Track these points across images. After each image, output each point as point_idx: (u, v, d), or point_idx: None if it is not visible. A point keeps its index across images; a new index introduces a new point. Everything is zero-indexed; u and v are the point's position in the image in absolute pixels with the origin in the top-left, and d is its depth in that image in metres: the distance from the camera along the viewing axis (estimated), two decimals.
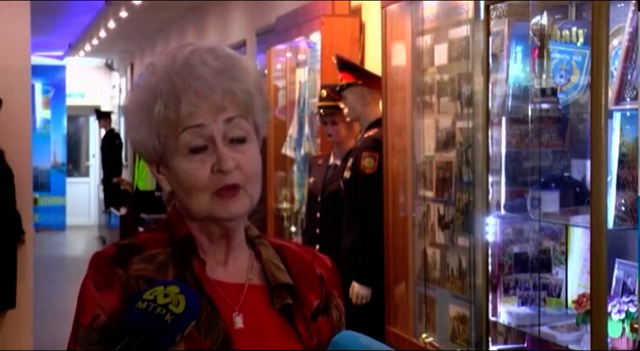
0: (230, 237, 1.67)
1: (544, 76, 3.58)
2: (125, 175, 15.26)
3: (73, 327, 1.62)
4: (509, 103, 3.77)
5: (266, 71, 6.95)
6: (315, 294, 1.71)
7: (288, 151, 6.65)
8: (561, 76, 3.52)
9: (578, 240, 3.69)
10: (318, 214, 5.28)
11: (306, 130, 6.42)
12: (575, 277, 3.70)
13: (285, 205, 6.77)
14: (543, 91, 3.58)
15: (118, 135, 15.63)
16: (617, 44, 3.15)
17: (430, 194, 4.42)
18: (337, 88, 5.07)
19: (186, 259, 1.64)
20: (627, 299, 3.12)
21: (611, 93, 3.05)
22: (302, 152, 6.49)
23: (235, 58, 1.64)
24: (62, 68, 18.72)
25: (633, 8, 3.04)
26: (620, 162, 3.08)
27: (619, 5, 3.15)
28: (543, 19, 3.59)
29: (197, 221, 1.65)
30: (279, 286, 1.66)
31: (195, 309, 1.53)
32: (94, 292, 1.61)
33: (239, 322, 1.62)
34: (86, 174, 19.93)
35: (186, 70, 1.60)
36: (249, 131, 1.63)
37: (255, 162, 1.63)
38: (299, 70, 6.65)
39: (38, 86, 17.69)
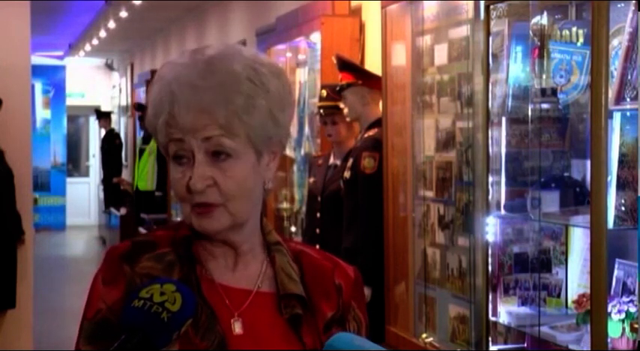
0: (233, 246, 1.65)
1: (544, 76, 3.58)
2: (125, 175, 15.26)
3: (81, 319, 1.65)
4: (509, 103, 3.77)
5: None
6: (331, 304, 1.68)
7: (288, 151, 6.65)
8: (561, 76, 3.52)
9: (578, 240, 3.69)
10: (318, 214, 5.28)
11: (306, 130, 6.43)
12: (575, 277, 3.70)
13: (285, 205, 6.77)
14: (543, 91, 3.58)
15: (118, 135, 15.63)
16: (617, 44, 3.15)
17: (430, 194, 4.42)
18: (337, 88, 5.07)
19: (190, 260, 1.64)
20: (627, 299, 3.13)
21: (611, 93, 3.05)
22: (302, 152, 6.49)
23: (229, 74, 1.58)
24: (62, 68, 18.72)
25: (633, 8, 3.04)
26: (620, 162, 3.08)
27: (619, 5, 3.15)
28: (543, 19, 3.59)
29: None
30: (287, 295, 1.64)
31: (192, 307, 1.53)
32: (101, 286, 1.63)
33: (238, 327, 1.61)
34: (86, 174, 19.92)
35: (173, 87, 1.58)
36: (235, 148, 1.57)
37: (237, 181, 1.58)
38: (299, 70, 6.65)
39: (38, 86, 17.68)
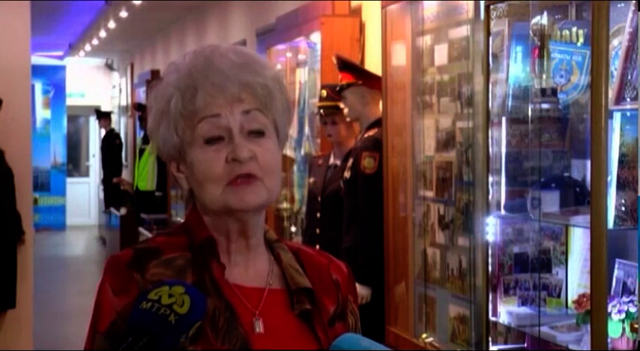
0: (248, 235, 1.65)
1: (544, 76, 3.58)
2: (125, 175, 15.26)
3: (89, 331, 1.62)
4: (509, 103, 3.77)
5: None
6: (332, 299, 1.69)
7: (288, 151, 6.65)
8: (561, 76, 3.52)
9: (578, 240, 3.69)
10: (318, 214, 5.28)
11: (306, 130, 6.43)
12: (575, 277, 3.70)
13: (285, 205, 6.78)
14: (543, 91, 3.58)
15: (118, 135, 15.62)
16: (617, 44, 3.15)
17: (430, 194, 4.42)
18: (337, 88, 5.07)
19: (205, 263, 1.62)
20: (627, 299, 3.12)
21: (611, 93, 3.05)
22: (302, 152, 6.49)
23: (255, 55, 1.66)
24: (62, 68, 18.72)
25: (633, 8, 3.04)
26: (620, 162, 3.08)
27: (619, 5, 3.15)
28: (543, 19, 3.59)
29: (213, 217, 1.64)
30: (298, 290, 1.65)
31: (201, 310, 1.52)
32: (112, 297, 1.60)
33: (259, 326, 1.61)
34: (86, 174, 19.92)
35: (206, 64, 1.61)
36: (268, 126, 1.63)
37: (273, 156, 1.62)
38: (299, 70, 6.65)
39: (38, 86, 17.69)
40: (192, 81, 1.60)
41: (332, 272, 1.72)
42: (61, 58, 18.34)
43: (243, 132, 1.60)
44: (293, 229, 6.57)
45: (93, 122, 18.05)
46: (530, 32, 3.61)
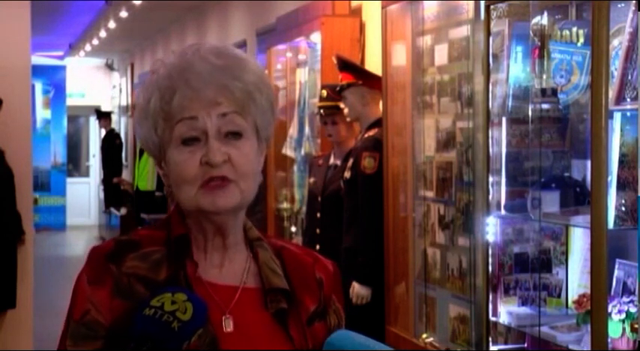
0: (224, 234, 1.66)
1: (544, 76, 3.58)
2: (125, 175, 15.26)
3: (65, 319, 1.64)
4: (510, 103, 3.77)
5: (266, 71, 6.95)
6: (313, 298, 1.70)
7: (288, 151, 6.65)
8: (561, 76, 3.52)
9: (578, 240, 3.69)
10: (318, 214, 5.28)
11: (306, 130, 6.43)
12: (576, 277, 3.70)
13: (285, 205, 6.77)
14: (543, 91, 3.58)
15: (118, 135, 15.62)
16: (617, 44, 3.15)
17: (430, 194, 4.42)
18: (337, 88, 5.07)
19: (179, 259, 1.64)
20: (627, 299, 3.13)
21: (611, 93, 3.05)
22: (302, 152, 6.49)
23: (238, 58, 1.65)
24: (62, 68, 18.71)
25: (633, 8, 3.04)
26: (620, 162, 3.08)
27: (619, 5, 3.15)
28: (543, 19, 3.59)
29: (190, 216, 1.66)
30: (273, 290, 1.66)
31: (203, 316, 1.53)
32: (86, 286, 1.62)
33: (229, 325, 1.62)
34: (86, 174, 19.92)
35: (185, 67, 1.62)
36: (246, 128, 1.63)
37: (249, 158, 1.63)
38: (299, 70, 6.65)
39: (38, 86, 17.67)
40: (171, 83, 1.62)
41: (316, 271, 1.73)
42: (61, 58, 18.34)
43: (220, 134, 1.61)
44: (293, 229, 6.57)
45: (93, 122, 18.03)
46: (531, 32, 3.61)
